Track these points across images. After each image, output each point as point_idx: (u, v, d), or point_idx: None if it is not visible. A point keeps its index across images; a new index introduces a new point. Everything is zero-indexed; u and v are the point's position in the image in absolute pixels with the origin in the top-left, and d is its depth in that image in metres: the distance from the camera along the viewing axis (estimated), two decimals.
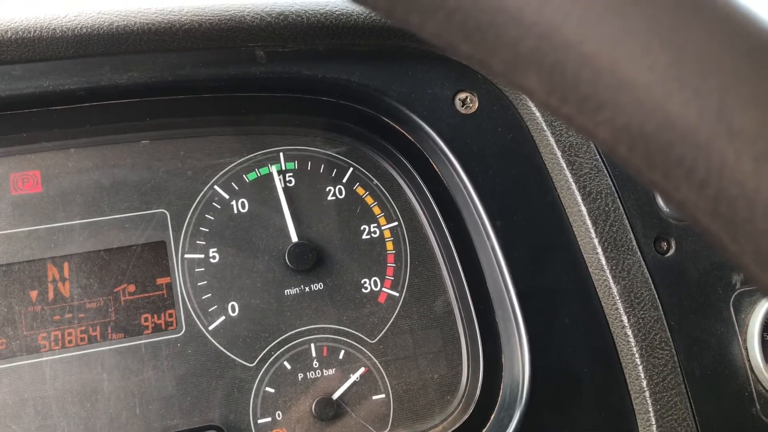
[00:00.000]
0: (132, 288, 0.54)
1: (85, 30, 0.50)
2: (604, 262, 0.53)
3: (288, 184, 0.58)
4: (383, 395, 0.56)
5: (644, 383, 0.51)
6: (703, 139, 0.16)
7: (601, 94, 0.17)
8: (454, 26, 0.18)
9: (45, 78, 0.51)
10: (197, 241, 0.55)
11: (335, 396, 0.55)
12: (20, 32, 0.49)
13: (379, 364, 0.56)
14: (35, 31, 0.49)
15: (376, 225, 0.59)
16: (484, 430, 0.54)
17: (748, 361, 0.53)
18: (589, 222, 0.53)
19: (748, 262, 0.17)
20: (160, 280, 0.54)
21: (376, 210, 0.59)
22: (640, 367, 0.51)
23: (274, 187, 0.57)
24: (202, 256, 0.55)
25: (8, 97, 0.51)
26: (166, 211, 0.55)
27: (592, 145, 0.54)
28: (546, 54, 0.17)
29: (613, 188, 0.54)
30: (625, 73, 0.16)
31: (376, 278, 0.58)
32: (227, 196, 0.57)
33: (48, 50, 0.50)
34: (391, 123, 0.57)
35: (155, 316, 0.54)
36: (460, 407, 0.56)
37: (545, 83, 0.18)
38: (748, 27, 0.17)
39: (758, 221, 0.16)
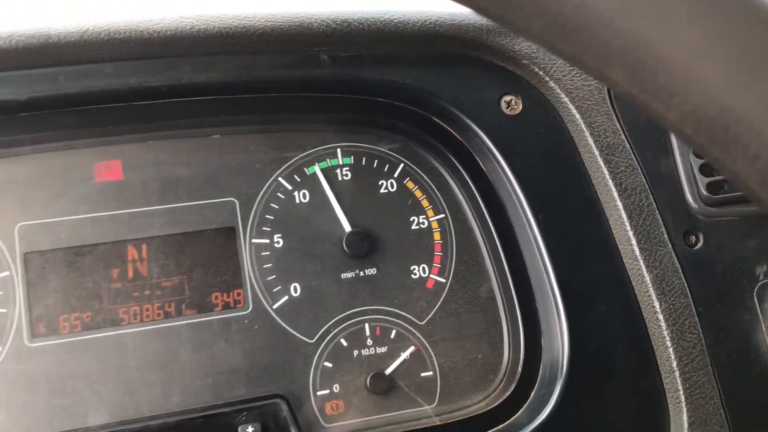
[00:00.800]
0: (204, 269, 0.59)
1: (169, 33, 0.55)
2: (638, 252, 0.57)
3: (345, 178, 0.63)
4: (431, 372, 0.61)
5: (674, 364, 0.56)
6: (757, 121, 0.21)
7: (674, 85, 0.22)
8: (555, 29, 0.23)
9: (132, 76, 0.56)
10: (263, 228, 0.61)
11: (388, 371, 0.59)
12: (112, 34, 0.54)
13: (427, 344, 0.61)
14: (125, 33, 0.54)
15: (424, 217, 0.64)
16: (524, 406, 0.59)
17: None
18: (624, 216, 0.58)
19: None
20: (230, 263, 0.60)
21: (425, 203, 0.64)
22: (671, 350, 0.56)
23: (333, 179, 0.62)
24: (268, 241, 0.60)
25: (98, 92, 0.57)
26: (235, 200, 0.61)
27: (627, 145, 0.59)
28: (631, 53, 0.22)
29: (646, 185, 0.58)
30: (695, 69, 0.21)
31: (425, 265, 0.63)
32: (290, 187, 0.62)
33: (135, 50, 0.55)
34: (441, 123, 0.62)
35: (225, 294, 0.59)
36: (501, 385, 0.60)
37: (628, 76, 0.22)
38: None
39: None
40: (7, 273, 0.56)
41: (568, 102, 0.60)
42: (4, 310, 0.56)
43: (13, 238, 0.57)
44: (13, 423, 0.54)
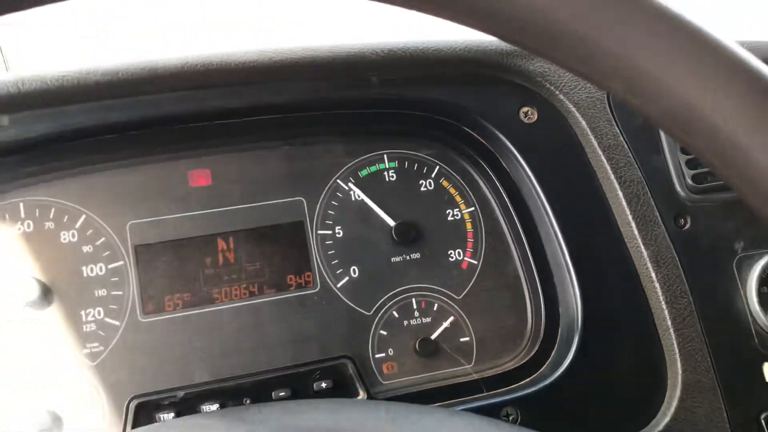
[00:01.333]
0: (280, 256, 0.72)
1: (251, 64, 0.68)
2: (636, 233, 0.69)
3: (391, 179, 0.75)
4: (468, 338, 0.73)
5: (669, 323, 0.68)
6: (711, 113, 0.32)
7: (654, 91, 0.33)
8: (576, 56, 0.34)
9: (219, 99, 0.69)
10: (326, 221, 0.73)
11: (433, 336, 0.72)
12: (206, 65, 0.67)
13: (464, 315, 0.73)
14: (217, 64, 0.67)
15: (458, 210, 0.76)
16: (547, 362, 0.70)
17: (748, 307, 0.70)
18: (624, 204, 0.70)
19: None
20: (300, 250, 0.72)
21: (458, 198, 0.76)
22: (666, 311, 0.68)
23: (383, 180, 0.75)
24: (330, 232, 0.73)
25: (192, 113, 0.69)
26: (303, 199, 0.73)
27: (626, 145, 0.71)
28: (626, 72, 0.34)
29: (642, 178, 0.71)
30: (667, 80, 0.32)
31: (459, 250, 0.75)
32: (346, 187, 0.74)
33: (224, 78, 0.68)
34: (470, 131, 0.74)
35: (297, 276, 0.71)
36: (527, 347, 0.72)
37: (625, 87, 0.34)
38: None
39: None
40: (121, 262, 0.69)
41: (575, 111, 0.72)
42: (120, 293, 0.69)
43: (126, 234, 0.70)
44: (135, 382, 0.66)
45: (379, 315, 0.72)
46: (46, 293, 0.67)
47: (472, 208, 0.76)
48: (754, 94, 0.30)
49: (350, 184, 0.74)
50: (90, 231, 0.69)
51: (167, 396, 0.65)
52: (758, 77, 0.31)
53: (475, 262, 0.75)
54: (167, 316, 0.68)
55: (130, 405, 0.65)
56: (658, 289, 0.68)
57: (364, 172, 0.75)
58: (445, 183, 0.76)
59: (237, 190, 0.72)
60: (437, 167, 0.76)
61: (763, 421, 0.67)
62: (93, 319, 0.68)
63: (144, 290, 0.69)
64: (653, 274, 0.69)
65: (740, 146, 0.30)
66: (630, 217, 0.70)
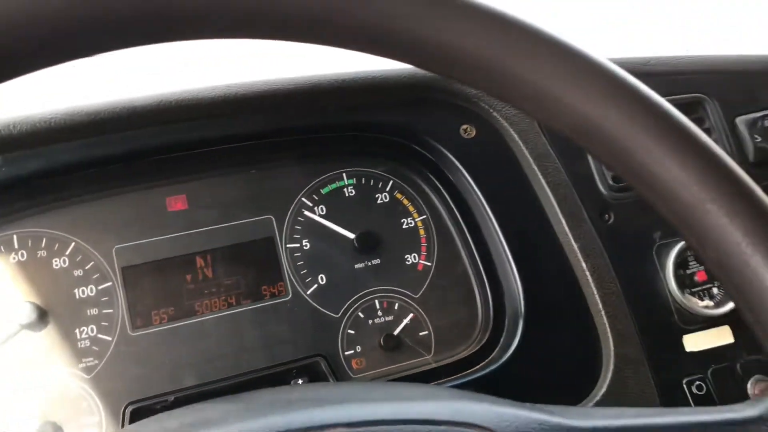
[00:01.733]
0: (254, 269, 0.79)
1: (220, 98, 0.76)
2: (567, 229, 0.79)
3: (350, 194, 0.84)
4: (427, 332, 0.81)
5: (600, 306, 0.77)
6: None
7: (557, 109, 0.43)
8: (493, 86, 0.43)
9: (192, 131, 0.77)
10: (294, 235, 0.81)
11: (396, 332, 0.80)
12: (180, 102, 0.75)
13: (422, 311, 0.82)
14: (189, 100, 0.75)
15: (411, 218, 0.85)
16: (497, 348, 0.79)
17: (668, 288, 0.80)
18: (555, 204, 0.80)
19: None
20: (272, 263, 0.80)
21: (411, 208, 0.85)
22: (597, 296, 0.77)
23: (343, 196, 0.83)
24: (298, 245, 0.81)
25: (169, 145, 0.77)
26: (272, 217, 0.81)
27: (553, 154, 0.81)
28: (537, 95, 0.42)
29: (569, 181, 0.80)
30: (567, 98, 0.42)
31: (415, 254, 0.84)
32: (311, 204, 0.82)
33: (195, 112, 0.76)
34: (418, 148, 0.84)
35: (271, 287, 0.79)
36: (479, 335, 0.81)
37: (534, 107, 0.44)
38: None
39: None
40: (110, 283, 0.76)
41: (508, 126, 0.82)
42: (111, 311, 0.75)
43: (112, 258, 0.77)
44: (130, 389, 0.73)
45: (347, 316, 0.80)
46: (42, 315, 0.74)
47: (424, 216, 0.85)
48: (628, 104, 0.39)
49: (314, 201, 0.82)
50: (80, 257, 0.76)
51: (160, 400, 0.72)
52: (634, 91, 0.40)
53: (429, 264, 0.83)
54: (155, 330, 0.76)
55: (126, 410, 0.72)
56: (589, 277, 0.78)
57: (325, 190, 0.83)
58: (398, 195, 0.85)
59: (211, 212, 0.80)
60: (391, 181, 0.85)
61: (684, 386, 0.77)
62: (87, 336, 0.74)
63: (132, 307, 0.76)
64: (584, 264, 0.78)
65: (625, 147, 0.40)
66: (561, 216, 0.79)
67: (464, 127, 0.83)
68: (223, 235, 0.79)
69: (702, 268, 0.80)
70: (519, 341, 0.77)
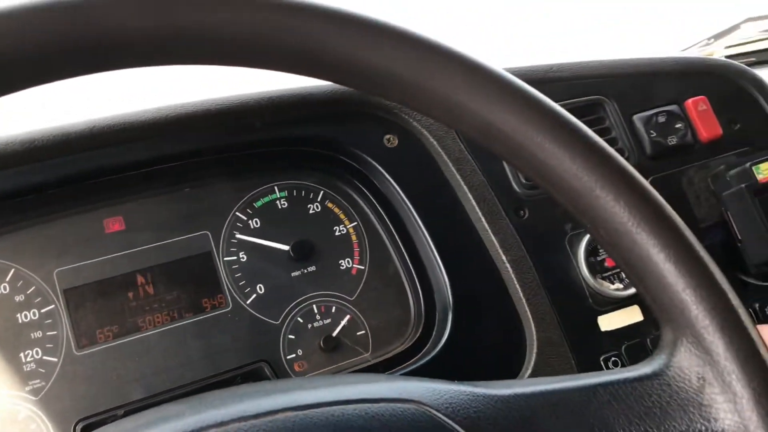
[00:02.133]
0: (194, 283, 0.83)
1: (150, 121, 0.79)
2: (487, 226, 0.85)
3: (283, 206, 0.88)
4: (364, 331, 0.86)
5: (521, 294, 0.83)
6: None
7: (460, 113, 0.49)
8: (405, 96, 0.48)
9: (125, 155, 0.80)
10: (231, 249, 0.85)
11: (334, 334, 0.85)
12: (112, 126, 0.78)
13: (358, 312, 0.86)
14: (121, 124, 0.78)
15: (343, 226, 0.90)
16: (429, 342, 0.84)
17: (581, 275, 0.87)
18: (475, 204, 0.86)
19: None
20: (211, 276, 0.83)
21: (342, 216, 0.90)
22: (518, 286, 0.84)
23: (276, 208, 0.88)
24: (235, 257, 0.85)
25: (103, 168, 0.80)
26: (208, 232, 0.84)
27: (470, 157, 0.88)
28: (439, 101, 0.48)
29: (486, 182, 0.87)
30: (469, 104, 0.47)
31: (348, 259, 0.89)
32: (245, 218, 0.86)
33: (128, 136, 0.79)
34: (346, 159, 0.89)
35: (211, 299, 0.83)
36: (412, 331, 0.86)
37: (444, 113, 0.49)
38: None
39: None
40: (53, 306, 0.78)
41: (428, 135, 0.88)
42: (55, 332, 0.77)
43: (54, 281, 0.79)
44: (79, 407, 0.75)
45: (286, 322, 0.84)
46: None
47: (355, 223, 0.90)
48: (523, 108, 0.45)
49: (248, 215, 0.86)
50: (20, 282, 0.78)
51: (110, 415, 0.75)
52: (528, 96, 0.45)
53: (363, 268, 0.88)
54: (100, 347, 0.78)
55: (77, 428, 0.74)
56: (510, 269, 0.84)
57: (259, 203, 0.87)
58: (330, 204, 0.90)
59: (149, 231, 0.83)
60: (322, 192, 0.90)
61: (602, 362, 0.84)
62: (32, 358, 0.76)
63: (76, 327, 0.78)
64: (504, 258, 0.85)
65: (523, 145, 0.45)
66: (480, 214, 0.86)
67: (387, 137, 0.88)
68: (161, 252, 0.82)
69: None
70: (449, 333, 0.82)
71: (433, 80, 0.44)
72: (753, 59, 1.72)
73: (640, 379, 0.47)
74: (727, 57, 1.70)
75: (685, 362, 0.46)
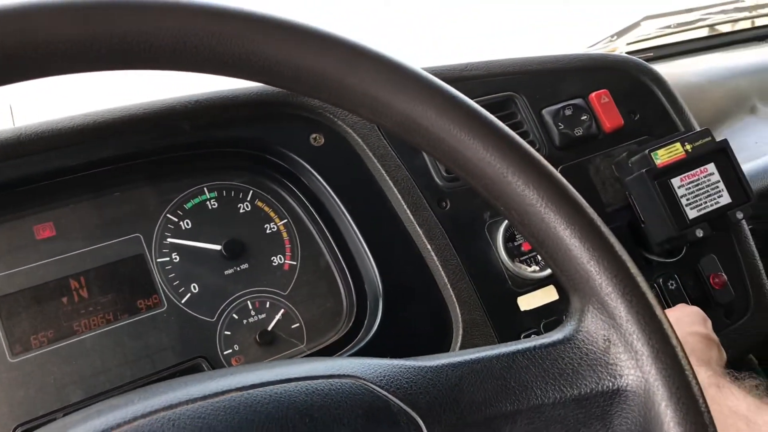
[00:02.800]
0: (128, 285, 0.84)
1: (78, 127, 0.80)
2: (412, 218, 0.90)
3: (213, 206, 0.90)
4: (298, 324, 0.89)
5: (446, 280, 0.88)
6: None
7: (378, 110, 0.53)
8: (332, 96, 0.53)
9: (53, 161, 0.81)
10: (163, 250, 0.86)
11: (269, 328, 0.87)
12: (39, 133, 0.78)
13: (291, 306, 0.90)
14: (47, 131, 0.79)
15: (273, 223, 0.93)
16: (362, 331, 0.89)
17: (500, 259, 0.93)
18: (400, 197, 0.91)
19: None
20: (145, 277, 0.85)
21: (272, 214, 0.93)
22: (442, 272, 0.89)
23: (207, 209, 0.90)
24: (168, 258, 0.86)
25: (32, 175, 0.80)
26: (140, 235, 0.86)
27: (393, 152, 0.92)
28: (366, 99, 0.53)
29: (409, 176, 0.92)
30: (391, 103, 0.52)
31: (280, 255, 0.91)
32: (176, 219, 0.88)
33: (55, 143, 0.80)
34: (274, 158, 0.92)
35: (146, 300, 0.84)
36: (345, 321, 0.90)
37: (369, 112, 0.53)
38: None
39: None
40: None
41: (352, 132, 0.92)
42: None
43: None
44: (17, 413, 0.75)
45: (222, 319, 0.86)
46: None
47: (286, 220, 0.93)
48: (440, 103, 0.50)
49: (179, 216, 0.88)
50: None
51: (50, 419, 0.75)
52: (444, 92, 0.50)
53: (295, 263, 0.92)
54: (35, 353, 0.78)
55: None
56: (435, 257, 0.89)
57: (189, 204, 0.89)
58: (259, 203, 0.93)
59: (81, 236, 0.83)
60: (251, 191, 0.92)
61: (522, 339, 0.90)
62: None
63: (9, 335, 0.78)
64: (429, 246, 0.90)
65: (441, 138, 0.50)
66: (405, 207, 0.90)
67: (313, 136, 0.91)
68: (94, 256, 0.83)
69: None
70: (380, 321, 0.87)
71: (358, 80, 0.48)
72: (651, 54, 1.84)
73: (553, 344, 0.53)
74: (629, 53, 1.82)
75: (592, 326, 0.51)
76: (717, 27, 2.04)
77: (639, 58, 1.60)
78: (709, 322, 0.81)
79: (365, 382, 0.49)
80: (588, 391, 0.51)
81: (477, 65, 1.02)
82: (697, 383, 0.49)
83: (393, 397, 0.49)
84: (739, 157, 1.35)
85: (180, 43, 0.41)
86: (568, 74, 1.05)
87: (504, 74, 1.02)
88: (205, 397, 0.46)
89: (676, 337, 0.50)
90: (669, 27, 1.94)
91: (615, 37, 1.96)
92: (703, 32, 2.04)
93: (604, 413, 0.50)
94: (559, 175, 0.51)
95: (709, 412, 0.49)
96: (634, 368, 0.49)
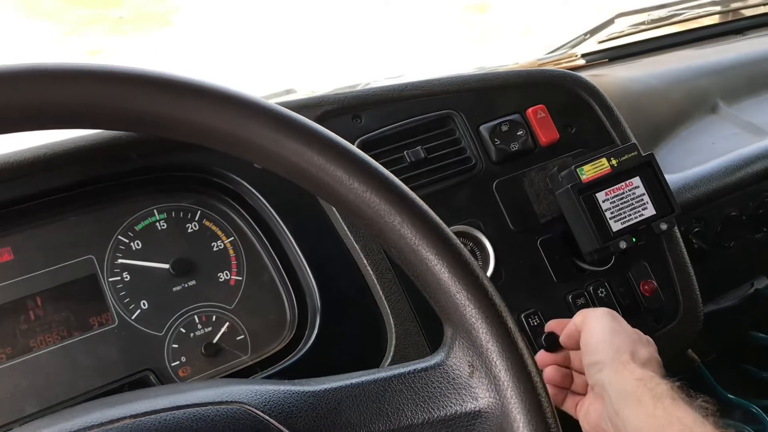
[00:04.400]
0: (81, 304, 0.90)
1: (30, 159, 0.87)
2: (349, 233, 0.96)
3: (162, 227, 0.97)
4: (243, 336, 0.95)
5: (381, 294, 0.94)
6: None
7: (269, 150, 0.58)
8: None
9: (8, 191, 0.87)
10: (114, 270, 0.93)
11: (215, 341, 0.94)
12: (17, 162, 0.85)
13: (237, 319, 0.95)
14: (5, 163, 0.85)
15: (220, 241, 0.99)
16: (302, 341, 0.95)
17: None
18: (338, 214, 0.97)
19: None
20: (97, 296, 0.91)
21: (219, 232, 0.99)
22: (378, 286, 0.94)
23: (156, 230, 0.96)
24: (119, 278, 0.92)
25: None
26: (93, 256, 0.92)
27: None
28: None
29: None
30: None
31: (227, 271, 0.97)
32: (127, 240, 0.94)
33: (8, 174, 0.86)
34: (220, 181, 0.98)
35: (98, 317, 0.90)
36: (287, 332, 0.96)
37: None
38: None
39: None
40: None
41: None
42: None
43: None
44: None
45: (170, 333, 0.92)
46: None
47: (232, 238, 0.99)
48: (320, 149, 0.55)
49: (130, 238, 0.94)
50: None
51: (6, 429, 0.82)
52: (323, 138, 0.55)
53: (240, 278, 0.98)
54: None
55: None
56: (370, 271, 0.95)
57: (139, 226, 0.95)
58: (207, 222, 0.99)
59: (37, 259, 0.90)
60: (199, 211, 0.98)
61: None
62: None
63: None
64: (365, 261, 0.95)
65: (323, 181, 0.55)
66: (343, 224, 0.96)
67: None
68: (49, 278, 0.90)
69: None
70: (317, 333, 0.92)
71: (247, 133, 0.53)
72: (624, 52, 1.87)
73: (425, 369, 0.58)
74: (601, 51, 1.85)
75: (460, 353, 0.57)
76: (692, 22, 2.06)
77: (601, 59, 1.64)
78: (618, 316, 0.84)
79: (249, 408, 0.55)
80: (453, 412, 0.57)
81: (417, 84, 1.07)
82: (549, 404, 0.55)
83: (273, 420, 0.55)
84: (693, 159, 1.39)
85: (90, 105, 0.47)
86: (506, 90, 1.10)
87: (442, 93, 1.07)
88: (101, 425, 0.52)
89: (534, 363, 0.55)
90: (643, 24, 1.96)
91: (588, 35, 1.98)
92: (678, 28, 2.06)
93: None
94: (432, 213, 0.56)
95: (558, 430, 0.54)
96: (493, 392, 0.55)
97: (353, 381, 0.59)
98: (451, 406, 0.57)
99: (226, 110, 0.51)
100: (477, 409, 0.56)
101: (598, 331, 0.81)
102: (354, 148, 0.56)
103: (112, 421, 0.52)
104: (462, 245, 0.56)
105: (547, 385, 0.55)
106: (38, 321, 0.88)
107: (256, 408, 0.55)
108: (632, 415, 0.71)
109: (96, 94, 0.46)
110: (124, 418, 0.53)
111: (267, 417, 0.55)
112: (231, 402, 0.55)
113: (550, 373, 0.88)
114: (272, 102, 0.54)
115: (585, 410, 0.84)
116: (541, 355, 0.89)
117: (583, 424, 0.85)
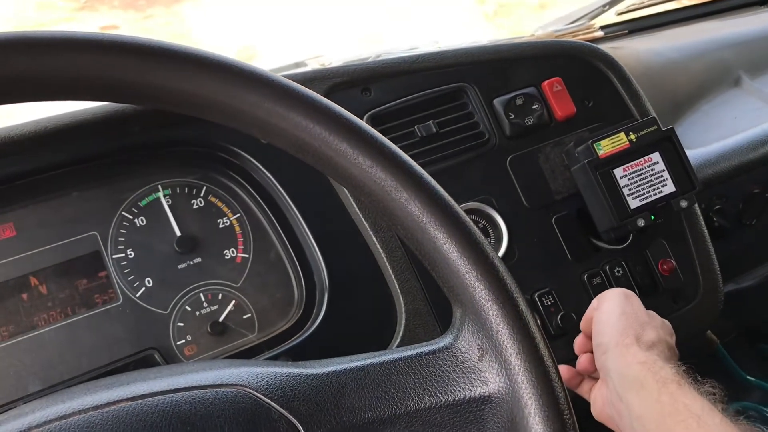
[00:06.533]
0: (85, 280, 0.89)
1: (30, 133, 0.85)
2: (358, 210, 0.94)
3: (168, 203, 0.95)
4: (249, 314, 0.93)
5: (391, 272, 0.91)
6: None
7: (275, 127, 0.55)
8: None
9: (12, 165, 0.85)
10: (119, 247, 0.91)
11: (221, 319, 0.92)
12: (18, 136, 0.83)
13: (243, 297, 0.94)
14: (5, 137, 0.83)
15: (226, 218, 0.96)
16: (310, 319, 0.93)
17: None
18: (347, 191, 0.94)
19: None
20: (101, 273, 0.90)
21: (225, 209, 0.96)
22: (387, 264, 0.91)
23: (161, 206, 0.94)
24: (123, 255, 0.91)
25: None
26: (96, 233, 0.91)
27: None
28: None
29: None
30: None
31: (233, 248, 0.95)
32: (131, 217, 0.92)
33: (9, 148, 0.84)
34: (225, 156, 0.95)
35: (102, 294, 0.89)
36: (295, 311, 0.94)
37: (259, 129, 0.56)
38: None
39: None
40: None
41: None
42: None
43: None
44: None
45: (175, 311, 0.91)
46: None
47: (238, 215, 0.97)
48: (329, 125, 0.52)
49: (133, 214, 0.92)
50: None
51: (9, 408, 0.81)
52: (333, 113, 0.52)
53: (247, 256, 0.96)
54: None
55: None
56: (380, 248, 0.93)
57: (143, 202, 0.93)
58: (212, 198, 0.96)
59: (40, 235, 0.88)
60: (204, 187, 0.96)
61: None
62: None
63: None
64: (374, 238, 0.93)
65: (329, 156, 0.52)
66: (352, 200, 0.94)
67: None
68: (53, 254, 0.88)
69: None
70: (325, 311, 0.90)
71: (249, 105, 0.50)
72: (644, 24, 1.81)
73: (432, 352, 0.56)
74: (620, 23, 1.79)
75: (470, 336, 0.55)
76: None
77: (620, 31, 1.59)
78: (632, 297, 0.81)
79: (250, 391, 0.53)
80: (461, 397, 0.54)
81: (428, 56, 1.03)
82: (562, 389, 0.52)
83: (275, 404, 0.53)
84: (715, 134, 1.35)
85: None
86: (521, 63, 1.06)
87: (455, 65, 1.03)
88: (96, 407, 0.50)
89: (546, 346, 0.53)
90: None
91: (607, 6, 1.93)
92: None
93: (478, 418, 0.54)
94: (441, 190, 0.53)
95: (572, 416, 0.52)
96: (504, 376, 0.52)
97: (358, 363, 0.56)
98: (459, 391, 0.55)
99: (227, 81, 0.49)
100: (487, 393, 0.54)
101: (605, 313, 0.78)
102: (360, 121, 0.53)
103: (108, 404, 0.50)
104: (472, 223, 0.53)
105: (560, 368, 0.53)
106: (42, 298, 0.87)
107: (256, 391, 0.53)
108: (636, 400, 0.68)
109: (93, 65, 0.44)
110: (121, 400, 0.51)
111: (268, 400, 0.53)
112: (231, 385, 0.53)
113: (584, 361, 0.84)
114: (279, 75, 0.51)
115: (594, 395, 0.81)
116: (579, 341, 0.86)
117: (592, 408, 0.82)
